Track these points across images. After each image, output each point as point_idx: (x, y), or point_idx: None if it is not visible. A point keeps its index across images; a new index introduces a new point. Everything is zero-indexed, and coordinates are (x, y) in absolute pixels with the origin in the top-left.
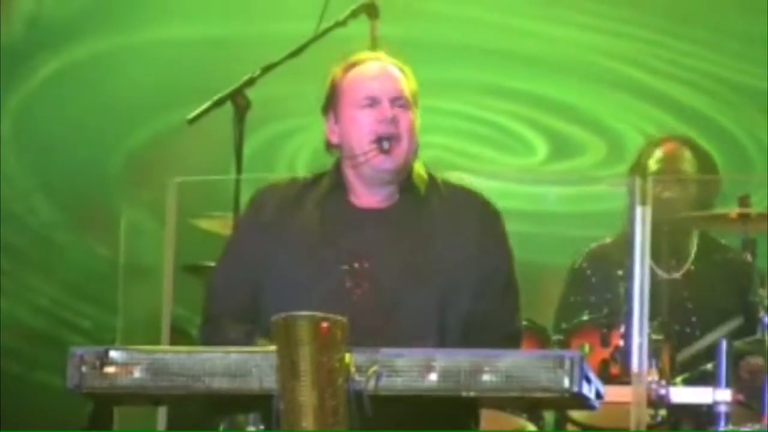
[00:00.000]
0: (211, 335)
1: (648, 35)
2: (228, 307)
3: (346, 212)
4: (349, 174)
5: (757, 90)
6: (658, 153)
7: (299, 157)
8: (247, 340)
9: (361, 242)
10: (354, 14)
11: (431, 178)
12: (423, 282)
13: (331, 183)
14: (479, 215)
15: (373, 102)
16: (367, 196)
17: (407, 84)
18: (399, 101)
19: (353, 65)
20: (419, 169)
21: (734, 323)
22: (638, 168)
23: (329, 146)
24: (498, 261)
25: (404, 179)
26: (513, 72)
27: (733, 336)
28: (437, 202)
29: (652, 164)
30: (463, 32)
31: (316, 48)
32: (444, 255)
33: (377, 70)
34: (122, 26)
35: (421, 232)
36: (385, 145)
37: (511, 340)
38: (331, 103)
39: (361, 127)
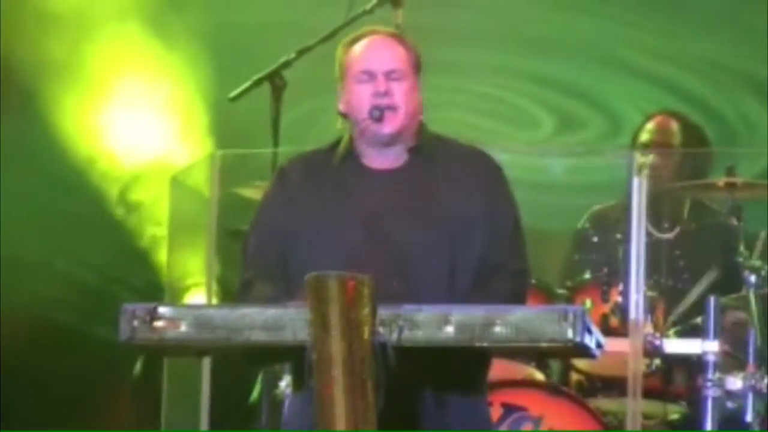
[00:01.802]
0: (246, 295)
1: (647, 22)
2: (260, 269)
3: (360, 175)
4: (359, 140)
5: (745, 72)
6: (649, 125)
7: (329, 130)
8: (281, 297)
9: (375, 202)
10: (380, 3)
11: (438, 139)
12: (434, 235)
13: (345, 149)
14: (484, 171)
15: (369, 76)
16: (378, 159)
17: (403, 55)
18: (393, 74)
19: (354, 41)
20: (427, 131)
21: (711, 277)
22: (635, 142)
23: (341, 115)
24: (504, 212)
25: (413, 141)
26: (524, 55)
27: (718, 291)
28: (444, 161)
29: (643, 135)
30: (479, 19)
31: (345, 34)
32: (452, 209)
33: (373, 45)
34: (166, 13)
35: (430, 190)
36: (376, 114)
37: (516, 277)
38: (339, 77)
39: (359, 100)
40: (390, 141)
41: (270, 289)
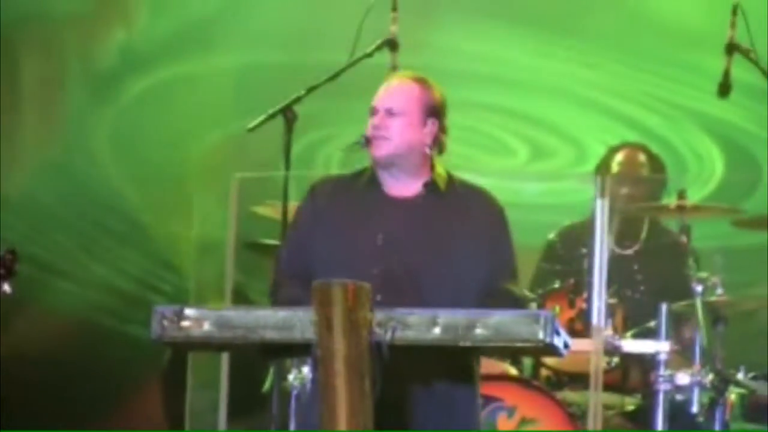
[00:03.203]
0: (278, 293)
1: (609, 66)
2: (290, 273)
3: (379, 200)
4: (376, 168)
5: (694, 109)
6: (618, 157)
7: (333, 157)
8: (304, 297)
9: (391, 225)
10: (379, 47)
11: (450, 177)
12: (442, 260)
13: (369, 176)
14: (489, 211)
15: (373, 110)
16: (395, 187)
17: (411, 96)
18: (389, 111)
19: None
20: (440, 168)
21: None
22: (602, 169)
23: None
24: (505, 246)
25: (426, 175)
26: (502, 93)
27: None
28: (455, 196)
29: (614, 166)
30: (465, 62)
31: (349, 74)
32: (460, 239)
33: (385, 86)
34: (195, 55)
35: (441, 220)
36: (362, 141)
37: (517, 302)
38: None
39: (367, 130)
40: (386, 164)
41: (295, 292)
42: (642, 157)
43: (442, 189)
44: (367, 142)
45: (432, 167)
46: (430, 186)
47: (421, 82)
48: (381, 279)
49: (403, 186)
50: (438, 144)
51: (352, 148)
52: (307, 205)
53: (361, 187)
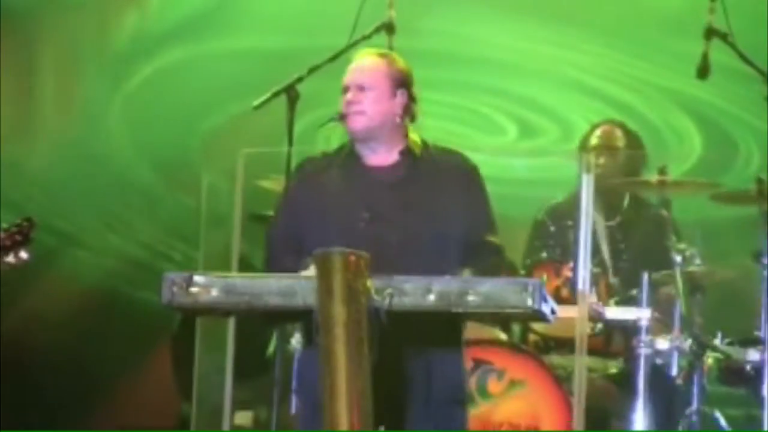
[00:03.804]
0: (272, 265)
1: (593, 49)
2: (282, 247)
3: (360, 170)
4: (353, 141)
5: (672, 89)
6: (597, 132)
7: (333, 133)
8: (296, 267)
9: (373, 192)
10: (376, 30)
11: (424, 143)
12: (422, 222)
13: (348, 150)
14: (463, 171)
15: (345, 88)
16: (372, 157)
17: (379, 71)
18: (360, 87)
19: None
20: (414, 136)
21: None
22: (583, 145)
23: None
24: (482, 202)
25: (401, 143)
26: (493, 75)
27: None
28: (429, 161)
29: (593, 140)
30: (458, 45)
31: (348, 55)
32: (439, 199)
33: (353, 65)
34: (204, 38)
35: (419, 183)
36: (336, 117)
37: (498, 251)
38: None
39: (341, 107)
40: (362, 137)
41: (289, 265)
42: (618, 132)
43: (418, 155)
44: (342, 118)
45: (406, 136)
46: (406, 153)
47: (387, 57)
48: (368, 246)
49: (381, 156)
50: (409, 113)
51: (328, 124)
52: (294, 182)
53: (342, 161)
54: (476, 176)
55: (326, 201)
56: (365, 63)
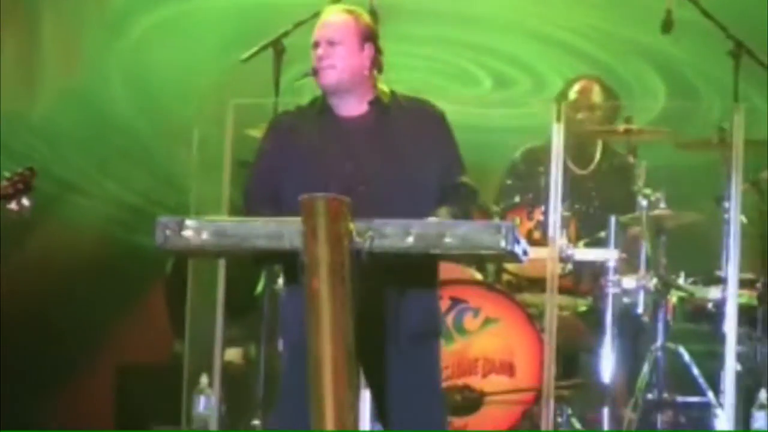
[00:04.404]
0: (247, 215)
1: (565, 4)
2: (259, 197)
3: (333, 121)
4: (325, 94)
5: (639, 42)
6: (576, 87)
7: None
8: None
9: (346, 141)
10: None
11: (392, 93)
12: (395, 167)
13: (320, 103)
14: (432, 117)
15: (315, 44)
16: (343, 108)
17: (347, 26)
18: (330, 42)
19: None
20: (382, 86)
21: None
22: (561, 97)
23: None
24: (450, 145)
25: (370, 94)
26: (468, 29)
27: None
28: (399, 109)
29: (572, 95)
30: (436, 2)
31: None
32: (409, 145)
33: (321, 21)
34: None
35: (389, 131)
36: (310, 72)
37: (471, 192)
38: None
39: (313, 62)
40: (334, 90)
41: (264, 210)
42: (596, 88)
43: (387, 104)
44: (315, 72)
45: (374, 86)
46: (376, 103)
47: (354, 13)
48: (345, 191)
49: (352, 107)
50: (377, 65)
51: (302, 79)
52: (270, 135)
53: (315, 113)
54: (444, 121)
55: (302, 152)
56: (334, 19)
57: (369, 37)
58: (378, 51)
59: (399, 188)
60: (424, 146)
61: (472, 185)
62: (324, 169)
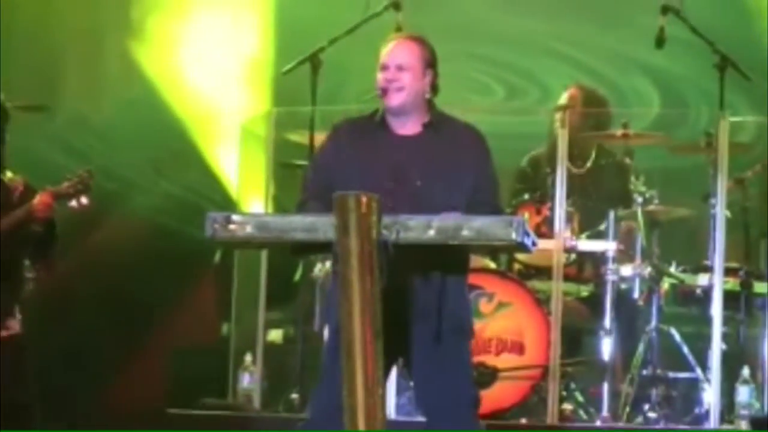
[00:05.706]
0: (303, 208)
1: (568, 24)
2: (314, 192)
3: (389, 137)
4: (386, 112)
5: (636, 58)
6: (565, 94)
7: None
8: (325, 212)
9: (398, 157)
10: (386, 8)
11: (443, 115)
12: (439, 182)
13: (379, 118)
14: (475, 142)
15: (383, 67)
16: (400, 127)
17: (413, 52)
18: (399, 66)
19: (385, 43)
20: (436, 110)
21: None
22: (557, 105)
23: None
24: (487, 168)
25: (426, 116)
26: (485, 45)
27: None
28: (448, 132)
29: (561, 101)
30: (455, 20)
31: (362, 29)
32: (452, 165)
33: (391, 46)
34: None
35: (437, 151)
36: (380, 93)
37: (496, 210)
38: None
39: (379, 83)
40: (397, 111)
41: (318, 207)
42: (578, 95)
43: (438, 127)
44: (383, 93)
45: (429, 110)
46: (429, 126)
47: (420, 40)
48: (390, 196)
49: (408, 127)
50: (435, 89)
51: (370, 98)
52: (330, 139)
53: (374, 127)
54: (487, 147)
55: (358, 158)
56: (403, 45)
57: (431, 63)
58: (437, 77)
59: (437, 199)
60: (465, 166)
61: (500, 209)
62: (373, 179)
